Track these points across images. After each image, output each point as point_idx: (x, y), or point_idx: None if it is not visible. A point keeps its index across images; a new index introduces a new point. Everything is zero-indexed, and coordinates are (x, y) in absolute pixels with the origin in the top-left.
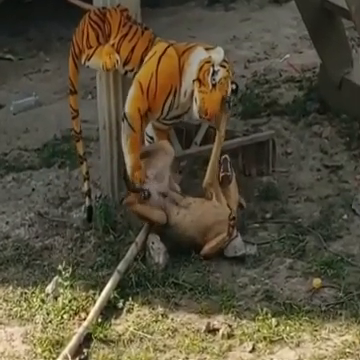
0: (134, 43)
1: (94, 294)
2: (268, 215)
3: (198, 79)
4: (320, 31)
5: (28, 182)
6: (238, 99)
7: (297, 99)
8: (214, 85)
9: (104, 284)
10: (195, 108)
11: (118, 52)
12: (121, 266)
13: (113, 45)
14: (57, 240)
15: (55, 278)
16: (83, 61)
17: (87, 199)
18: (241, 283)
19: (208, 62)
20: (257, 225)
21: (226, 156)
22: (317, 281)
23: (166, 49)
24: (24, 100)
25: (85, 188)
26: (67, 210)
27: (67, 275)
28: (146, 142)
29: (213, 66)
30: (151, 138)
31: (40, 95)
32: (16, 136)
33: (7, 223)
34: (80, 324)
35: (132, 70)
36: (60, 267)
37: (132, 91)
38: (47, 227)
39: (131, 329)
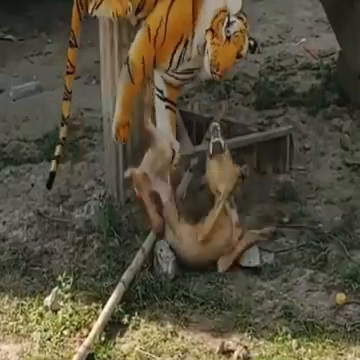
0: None
1: (97, 307)
2: (286, 219)
3: (211, 29)
4: (339, 14)
5: (27, 177)
6: (252, 87)
7: (315, 88)
8: (228, 37)
9: (108, 296)
10: (206, 61)
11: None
12: (126, 276)
13: None
14: (57, 243)
15: (55, 289)
16: (90, 10)
17: (53, 163)
18: (257, 297)
19: (223, 11)
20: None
21: (216, 124)
22: (341, 296)
23: None
24: (24, 85)
25: (61, 134)
26: (68, 209)
27: (67, 287)
28: (155, 96)
29: (229, 16)
30: (161, 92)
31: (41, 79)
32: (15, 125)
33: (4, 223)
34: (81, 342)
35: (145, 18)
36: (60, 278)
37: (139, 35)
38: (47, 228)
39: (137, 349)
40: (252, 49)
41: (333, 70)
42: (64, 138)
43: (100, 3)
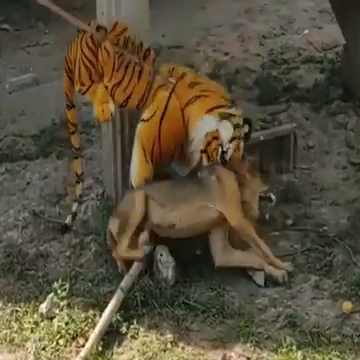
0: (129, 92)
1: (94, 315)
2: (289, 221)
3: (206, 152)
4: (344, 4)
5: (23, 174)
6: (254, 82)
7: (318, 83)
8: (223, 162)
9: (105, 303)
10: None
11: (112, 97)
12: (125, 283)
13: (107, 88)
14: (53, 246)
15: (50, 296)
16: (77, 90)
17: (69, 217)
18: (260, 305)
19: (216, 138)
20: (277, 233)
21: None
22: (347, 305)
23: (167, 104)
24: (20, 77)
25: (77, 192)
26: (65, 209)
27: (63, 294)
28: None
29: (222, 146)
30: None
31: (38, 71)
32: (11, 119)
33: None
34: (78, 352)
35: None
36: (56, 284)
37: (135, 158)
38: (43, 229)
39: None
40: (248, 134)
41: (337, 64)
42: (81, 196)
43: (85, 92)
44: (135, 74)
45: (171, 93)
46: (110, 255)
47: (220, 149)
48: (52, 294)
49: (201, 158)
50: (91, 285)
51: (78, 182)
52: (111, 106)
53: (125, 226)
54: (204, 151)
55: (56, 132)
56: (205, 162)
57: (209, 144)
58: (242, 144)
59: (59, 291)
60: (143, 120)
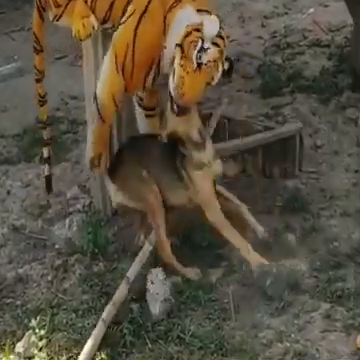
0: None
1: (77, 354)
2: (295, 235)
3: (181, 46)
4: None
5: (3, 182)
6: (256, 70)
7: (325, 71)
8: (199, 65)
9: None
10: (171, 81)
11: (93, 11)
12: (107, 313)
13: (86, 2)
14: (34, 268)
15: (28, 334)
16: (51, 18)
17: (46, 167)
18: (265, 339)
19: (197, 30)
20: (282, 249)
21: None
22: None
23: (148, 5)
24: (3, 68)
25: (45, 154)
26: (48, 223)
27: (42, 332)
28: (136, 104)
29: (202, 41)
30: (141, 99)
31: (23, 59)
32: None
33: None
34: None
35: (113, 27)
36: (34, 322)
37: (106, 65)
38: (23, 248)
39: None
40: (228, 73)
41: (346, 49)
42: (50, 139)
43: (61, 16)
44: None
45: None
46: (96, 278)
47: (199, 43)
48: (30, 332)
49: (173, 60)
50: (75, 316)
51: (42, 105)
52: (93, 20)
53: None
54: (179, 45)
55: (40, 131)
56: (177, 60)
57: (188, 35)
58: (221, 65)
59: (37, 330)
60: (118, 25)
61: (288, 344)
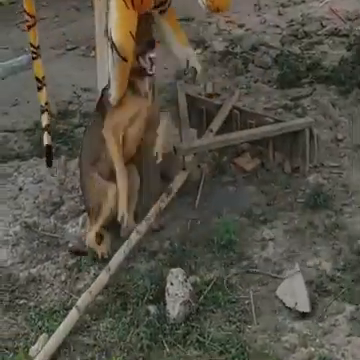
0: None
1: (92, 358)
2: (318, 233)
3: None
4: None
5: (14, 178)
6: (273, 60)
7: (345, 61)
8: None
9: (105, 342)
10: (201, 4)
11: None
12: (82, 300)
13: None
14: (47, 268)
15: (42, 337)
16: None
17: (45, 135)
18: (288, 343)
19: None
20: (305, 248)
21: None
22: None
23: None
24: (13, 60)
25: (43, 122)
26: (61, 220)
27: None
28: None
29: None
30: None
31: None
32: (2, 110)
33: None
34: None
35: None
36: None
37: (115, 9)
38: (36, 247)
39: None
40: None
41: None
42: (48, 125)
43: None
44: None
45: None
46: (111, 280)
47: None
48: (44, 334)
49: None
50: (89, 318)
51: (40, 88)
52: None
53: (95, 214)
54: None
55: (52, 125)
56: None
57: None
58: None
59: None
60: None
61: (312, 349)
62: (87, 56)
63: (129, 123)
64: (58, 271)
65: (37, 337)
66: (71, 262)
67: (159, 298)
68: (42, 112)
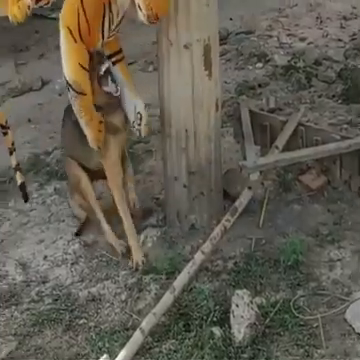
0: None
1: None
2: None
3: None
4: None
5: None
6: (337, 74)
7: None
8: None
9: None
10: (142, 16)
11: None
12: (147, 322)
13: None
14: (107, 287)
15: (103, 358)
16: None
17: (18, 175)
18: None
19: None
20: None
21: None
22: None
23: None
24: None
25: (12, 163)
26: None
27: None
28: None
29: None
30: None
31: None
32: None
33: (45, 258)
34: None
35: (47, 4)
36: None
37: (63, 44)
38: (95, 265)
39: None
40: None
41: None
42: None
43: None
44: None
45: None
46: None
47: None
48: (106, 355)
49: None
50: (151, 340)
51: (5, 133)
52: (27, 1)
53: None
54: None
55: None
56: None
57: None
58: None
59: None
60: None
61: None
62: (145, 71)
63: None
64: (118, 290)
65: (98, 358)
66: (131, 281)
67: (223, 320)
68: (10, 153)
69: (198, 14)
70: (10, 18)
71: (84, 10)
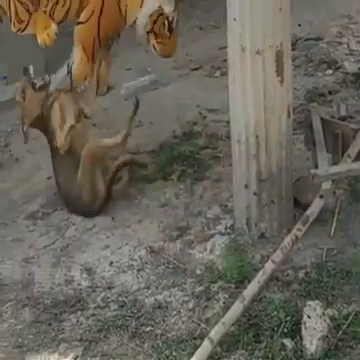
0: (67, 6)
1: None
2: None
3: (153, 32)
4: None
5: (139, 201)
6: None
7: None
8: (170, 30)
9: None
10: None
11: (52, 18)
12: (215, 332)
13: (45, 12)
14: (174, 294)
15: None
16: (14, 31)
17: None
18: None
19: (161, 14)
20: None
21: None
22: None
23: (103, 1)
24: (137, 80)
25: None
26: (187, 246)
27: None
28: None
29: (167, 18)
30: None
31: (157, 72)
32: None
33: (111, 264)
34: None
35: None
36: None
37: (76, 56)
38: (161, 272)
39: None
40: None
41: None
42: None
43: (25, 28)
44: None
45: None
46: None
47: (166, 22)
48: None
49: (148, 38)
50: (220, 350)
51: None
52: (54, 28)
53: None
54: (151, 31)
55: (178, 147)
56: (152, 41)
57: (155, 22)
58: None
59: None
60: (81, 22)
61: None
62: (211, 76)
63: None
64: (185, 298)
65: None
66: (199, 289)
67: (295, 331)
68: None
69: (272, 19)
70: (39, 42)
71: (99, 38)
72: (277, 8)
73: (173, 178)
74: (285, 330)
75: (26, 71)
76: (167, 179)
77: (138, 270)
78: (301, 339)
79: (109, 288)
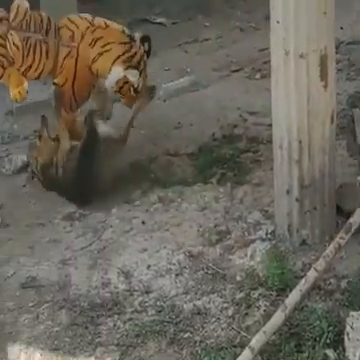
0: (40, 70)
1: None
2: None
3: (120, 93)
4: None
5: (178, 204)
6: None
7: None
8: (136, 91)
9: None
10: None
11: (25, 76)
12: (257, 340)
13: (19, 70)
14: (213, 300)
15: None
16: None
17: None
18: None
19: (126, 82)
20: None
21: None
22: None
23: (75, 69)
24: (177, 82)
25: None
26: (227, 251)
27: None
28: None
29: (133, 86)
30: None
31: (196, 73)
32: (165, 133)
33: (149, 267)
34: None
35: (38, 78)
36: None
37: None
38: (200, 277)
39: None
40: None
41: None
42: None
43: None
44: (43, 53)
45: (76, 59)
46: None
47: (132, 89)
48: None
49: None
50: (261, 359)
51: None
52: (25, 85)
53: None
54: (118, 92)
55: (217, 150)
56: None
57: (122, 88)
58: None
59: None
60: (56, 84)
61: None
62: (252, 78)
63: None
64: (225, 305)
65: None
66: (239, 296)
67: (337, 342)
68: None
69: (316, 23)
70: (11, 97)
71: (75, 97)
72: (321, 12)
73: (213, 181)
74: (327, 340)
75: (44, 119)
76: (206, 182)
77: (176, 275)
78: (344, 350)
79: (147, 292)
